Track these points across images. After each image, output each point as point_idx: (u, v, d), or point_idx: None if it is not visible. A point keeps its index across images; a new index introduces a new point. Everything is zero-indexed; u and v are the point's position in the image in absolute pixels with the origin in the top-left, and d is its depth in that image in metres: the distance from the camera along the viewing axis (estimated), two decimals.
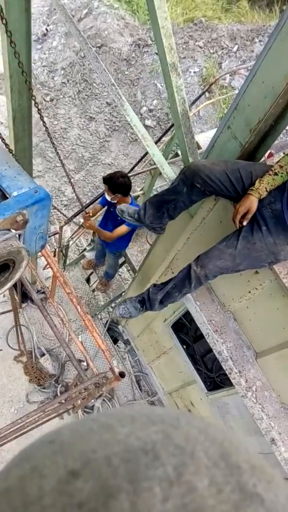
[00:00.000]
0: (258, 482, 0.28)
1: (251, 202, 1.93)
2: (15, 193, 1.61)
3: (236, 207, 1.98)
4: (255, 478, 0.28)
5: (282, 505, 0.27)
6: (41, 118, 3.11)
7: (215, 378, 4.50)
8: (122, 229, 4.03)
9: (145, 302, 2.71)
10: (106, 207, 4.37)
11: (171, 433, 0.30)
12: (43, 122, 3.17)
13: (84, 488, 0.25)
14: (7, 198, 1.62)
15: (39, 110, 3.04)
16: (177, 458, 0.27)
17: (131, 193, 4.43)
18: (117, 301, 6.14)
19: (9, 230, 1.61)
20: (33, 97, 3.10)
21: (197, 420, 0.33)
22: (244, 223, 1.98)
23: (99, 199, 4.37)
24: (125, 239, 4.50)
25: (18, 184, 1.64)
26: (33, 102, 3.19)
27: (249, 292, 2.60)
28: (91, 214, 4.16)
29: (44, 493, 0.26)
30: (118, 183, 3.76)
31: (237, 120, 2.20)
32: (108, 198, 3.92)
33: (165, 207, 2.37)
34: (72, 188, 3.79)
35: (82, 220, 4.51)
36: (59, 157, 3.58)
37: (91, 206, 4.29)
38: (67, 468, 0.27)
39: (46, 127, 3.28)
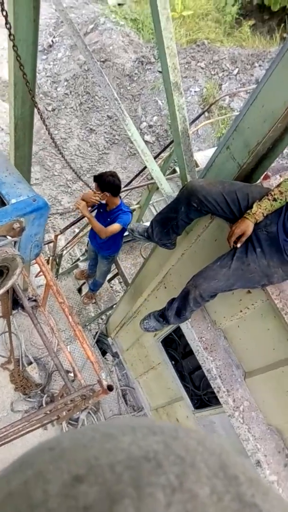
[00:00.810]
0: (255, 492, 0.28)
1: (247, 226, 1.96)
2: (13, 200, 1.62)
3: (232, 228, 2.01)
4: (252, 489, 0.28)
5: None
6: (45, 125, 3.15)
7: (202, 396, 4.48)
8: (115, 226, 4.04)
9: (164, 317, 2.74)
10: (96, 208, 4.38)
11: (171, 444, 0.30)
12: (47, 129, 3.21)
13: (89, 493, 0.26)
14: (5, 204, 1.63)
15: (42, 117, 3.07)
16: (178, 466, 0.28)
17: (130, 208, 4.46)
18: (107, 313, 6.12)
19: (5, 236, 1.62)
20: (36, 105, 3.14)
21: (194, 432, 0.34)
22: (238, 245, 2.00)
23: None
24: (117, 242, 4.52)
25: (17, 192, 1.65)
26: (35, 110, 3.23)
27: (241, 311, 2.61)
28: (94, 196, 4.01)
29: (49, 497, 0.26)
30: (107, 181, 3.82)
31: (236, 141, 2.24)
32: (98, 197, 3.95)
33: (169, 224, 2.41)
34: (78, 177, 3.81)
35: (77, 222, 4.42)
36: (64, 157, 3.59)
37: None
38: (71, 473, 0.28)
39: (50, 133, 3.32)
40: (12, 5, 3.12)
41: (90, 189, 4.28)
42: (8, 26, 2.77)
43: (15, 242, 1.67)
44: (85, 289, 6.42)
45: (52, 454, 0.30)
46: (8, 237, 1.61)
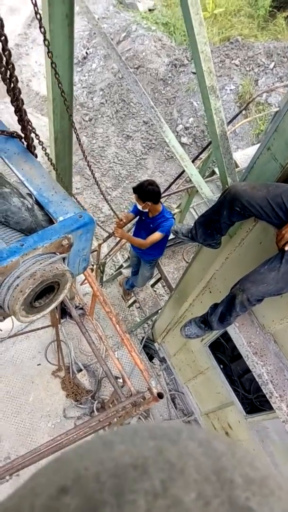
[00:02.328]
0: (252, 496, 0.27)
1: None
2: (61, 218, 1.68)
3: (281, 232, 1.96)
4: (249, 492, 0.28)
5: None
6: (79, 141, 3.23)
7: (253, 400, 4.39)
8: (156, 235, 4.07)
9: (207, 323, 2.73)
10: (138, 217, 4.43)
11: (165, 449, 0.30)
12: (80, 144, 3.28)
13: (71, 504, 0.27)
14: (53, 223, 1.69)
15: (77, 134, 3.14)
16: (165, 473, 0.28)
17: (171, 211, 4.47)
18: (153, 319, 6.15)
19: (54, 253, 1.68)
20: (73, 123, 3.22)
21: (203, 433, 0.33)
22: (286, 248, 1.95)
23: (131, 208, 4.43)
24: (160, 246, 4.52)
25: (64, 209, 1.71)
26: (72, 125, 3.32)
27: None
28: (124, 221, 4.21)
29: (34, 510, 0.27)
30: (147, 191, 3.84)
31: (277, 142, 2.19)
32: (140, 207, 3.99)
33: (212, 226, 2.39)
34: (108, 205, 3.90)
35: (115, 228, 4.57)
36: (93, 174, 3.68)
37: (123, 214, 4.34)
38: (59, 485, 0.29)
39: (83, 151, 3.39)
40: (48, 23, 3.24)
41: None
42: (46, 43, 2.88)
43: (64, 258, 1.72)
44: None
45: (53, 466, 0.32)
46: (57, 253, 1.66)
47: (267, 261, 2.07)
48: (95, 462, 0.30)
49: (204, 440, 0.32)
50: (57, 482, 0.29)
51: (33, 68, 12.59)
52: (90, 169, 3.23)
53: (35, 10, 1.77)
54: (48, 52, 2.91)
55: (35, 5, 1.74)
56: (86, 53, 12.35)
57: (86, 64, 12.25)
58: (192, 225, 2.71)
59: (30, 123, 1.86)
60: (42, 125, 11.40)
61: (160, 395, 2.69)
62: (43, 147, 2.53)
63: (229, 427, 4.43)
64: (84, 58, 12.38)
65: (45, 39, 2.92)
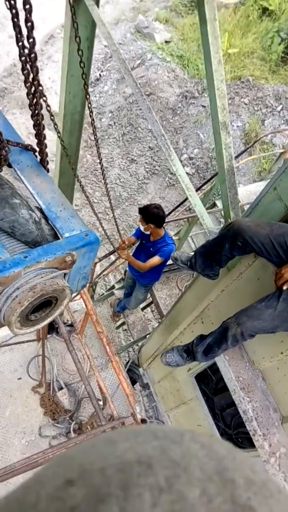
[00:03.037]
0: (253, 495, 0.28)
1: None
2: (67, 234, 1.68)
3: (281, 271, 1.99)
4: (250, 492, 0.28)
5: None
6: (97, 149, 3.26)
7: (233, 435, 4.32)
8: (155, 260, 4.11)
9: (190, 352, 2.71)
10: (139, 240, 4.47)
11: (169, 449, 0.31)
12: (99, 154, 3.31)
13: (77, 495, 0.27)
14: (59, 238, 1.69)
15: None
16: (170, 470, 0.28)
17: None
18: (139, 343, 6.10)
19: (56, 268, 1.67)
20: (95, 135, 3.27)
21: (204, 436, 0.34)
22: (285, 288, 1.97)
23: (134, 231, 4.49)
24: (157, 271, 4.55)
25: (71, 226, 1.72)
26: (81, 136, 3.37)
27: (282, 353, 2.54)
28: (126, 243, 4.26)
29: (40, 499, 0.28)
30: (151, 213, 3.90)
31: (284, 183, 2.24)
32: (142, 228, 4.03)
33: (213, 257, 2.42)
34: (115, 221, 3.93)
35: (116, 253, 4.57)
36: (106, 183, 3.71)
37: (125, 237, 4.40)
38: (65, 477, 0.29)
39: (100, 159, 3.42)
40: (68, 44, 3.34)
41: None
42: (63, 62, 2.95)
43: (65, 274, 1.72)
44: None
45: (57, 461, 0.33)
46: (59, 269, 1.66)
47: (265, 298, 2.09)
48: (99, 457, 0.31)
49: (206, 443, 0.33)
50: (62, 474, 0.30)
51: (45, 84, 12.86)
52: (103, 175, 3.23)
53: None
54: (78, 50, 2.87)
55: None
56: (100, 75, 12.65)
57: (98, 86, 12.53)
58: (192, 253, 2.74)
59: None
60: (49, 139, 11.57)
61: (143, 421, 2.65)
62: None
63: None
64: (97, 79, 12.67)
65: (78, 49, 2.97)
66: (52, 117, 2.36)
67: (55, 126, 2.84)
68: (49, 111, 2.03)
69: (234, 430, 4.41)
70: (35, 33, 1.40)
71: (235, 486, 0.28)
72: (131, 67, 12.13)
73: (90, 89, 12.60)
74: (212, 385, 4.64)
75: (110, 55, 12.08)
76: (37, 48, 1.46)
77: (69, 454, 0.33)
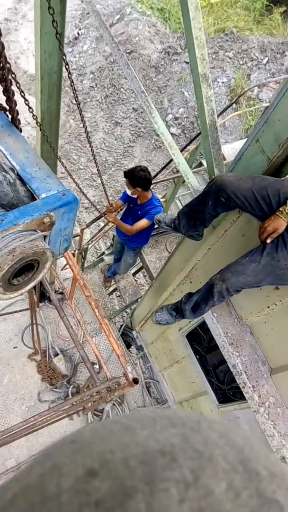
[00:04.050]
0: (277, 488, 0.27)
1: (280, 225, 1.91)
2: (43, 195, 1.64)
3: (264, 225, 1.97)
4: (274, 484, 0.27)
5: None
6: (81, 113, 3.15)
7: (226, 390, 4.46)
8: (143, 222, 4.06)
9: (179, 311, 2.73)
10: (126, 203, 4.40)
11: (190, 437, 0.30)
12: (82, 118, 3.21)
13: (101, 487, 0.26)
14: (35, 199, 1.65)
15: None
16: (194, 461, 0.27)
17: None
18: (132, 307, 6.16)
19: (35, 231, 1.64)
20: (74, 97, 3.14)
21: (219, 424, 0.33)
22: (268, 241, 1.96)
23: (121, 195, 4.41)
24: (145, 234, 4.51)
25: (47, 186, 1.67)
26: (61, 104, 3.24)
27: (268, 307, 2.57)
28: (114, 207, 4.19)
29: (62, 491, 0.26)
30: (137, 176, 3.81)
31: (266, 134, 2.19)
32: (129, 192, 3.95)
33: (196, 217, 2.39)
34: (102, 185, 3.85)
35: (104, 218, 4.52)
36: (92, 148, 3.59)
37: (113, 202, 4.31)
38: (85, 467, 0.28)
39: (85, 125, 3.30)
40: None
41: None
42: (35, 19, 2.78)
43: (45, 236, 1.69)
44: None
45: (72, 447, 0.31)
46: (38, 231, 1.63)
47: (249, 253, 2.08)
48: (120, 445, 0.29)
49: (223, 431, 0.32)
50: (82, 463, 0.28)
51: (21, 45, 12.28)
52: (88, 140, 3.14)
53: None
54: (49, 8, 2.72)
55: None
56: (78, 33, 12.10)
57: (77, 45, 12.01)
58: (176, 215, 2.70)
59: (22, 95, 1.81)
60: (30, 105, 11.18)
61: (135, 381, 2.70)
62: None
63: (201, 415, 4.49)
64: (76, 38, 12.13)
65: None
66: (22, 93, 2.22)
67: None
68: (19, 88, 1.89)
69: (228, 386, 4.54)
70: None
71: (260, 478, 0.27)
72: (110, 23, 11.59)
73: (68, 49, 12.08)
74: (204, 344, 4.73)
75: (88, 12, 11.49)
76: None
77: (85, 439, 0.31)
